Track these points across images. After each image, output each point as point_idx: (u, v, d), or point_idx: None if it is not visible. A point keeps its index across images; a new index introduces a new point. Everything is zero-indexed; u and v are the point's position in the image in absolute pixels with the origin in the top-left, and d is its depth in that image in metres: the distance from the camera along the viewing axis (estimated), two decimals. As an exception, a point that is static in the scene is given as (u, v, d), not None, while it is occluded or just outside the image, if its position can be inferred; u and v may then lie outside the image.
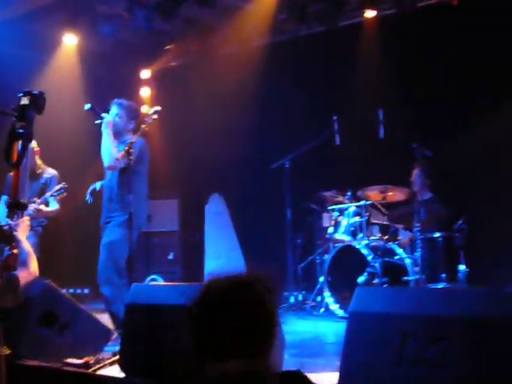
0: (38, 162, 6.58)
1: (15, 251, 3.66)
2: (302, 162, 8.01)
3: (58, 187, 6.34)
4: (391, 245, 7.19)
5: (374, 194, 7.57)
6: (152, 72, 10.56)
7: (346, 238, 7.36)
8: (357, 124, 8.02)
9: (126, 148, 5.47)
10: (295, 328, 6.41)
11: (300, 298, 7.98)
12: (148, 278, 9.14)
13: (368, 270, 6.79)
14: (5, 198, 6.28)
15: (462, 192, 7.60)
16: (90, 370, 4.26)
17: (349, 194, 7.65)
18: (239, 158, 9.24)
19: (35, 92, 3.60)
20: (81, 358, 4.36)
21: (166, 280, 8.98)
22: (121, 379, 3.94)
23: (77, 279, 9.01)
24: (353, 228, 7.40)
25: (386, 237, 7.36)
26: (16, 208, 3.70)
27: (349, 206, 7.50)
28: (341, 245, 7.28)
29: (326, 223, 8.31)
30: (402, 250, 7.16)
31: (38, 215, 6.22)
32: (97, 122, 5.78)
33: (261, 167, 8.54)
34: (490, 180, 7.54)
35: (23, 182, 3.70)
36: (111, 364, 4.34)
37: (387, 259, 6.95)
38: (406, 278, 6.86)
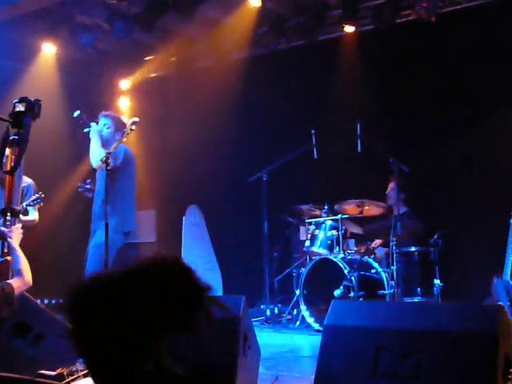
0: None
1: (8, 258, 3.61)
2: (280, 175, 8.03)
3: (34, 197, 6.27)
4: (367, 258, 7.23)
5: (350, 207, 7.61)
6: (131, 83, 10.55)
7: (323, 252, 7.38)
8: (335, 138, 8.07)
9: (104, 158, 5.50)
10: (271, 341, 6.41)
11: (276, 310, 7.99)
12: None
13: (344, 283, 6.81)
14: None
15: (438, 207, 7.67)
16: (63, 382, 4.21)
17: (326, 207, 7.68)
18: (217, 170, 9.24)
19: (31, 99, 3.61)
20: (54, 370, 4.32)
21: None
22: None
23: (53, 289, 8.91)
24: (329, 241, 7.42)
25: (363, 250, 7.40)
26: (10, 214, 3.67)
27: (325, 220, 7.53)
28: (317, 258, 7.30)
29: (302, 236, 8.33)
30: (377, 263, 7.20)
31: None
32: (85, 130, 6.18)
33: (238, 179, 8.56)
34: (466, 195, 7.60)
35: (16, 189, 3.68)
36: (85, 376, 4.29)
37: (363, 273, 6.98)
38: (381, 291, 6.90)
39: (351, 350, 2.84)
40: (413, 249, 7.03)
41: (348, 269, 6.89)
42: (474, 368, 2.51)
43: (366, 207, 7.52)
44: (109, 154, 5.64)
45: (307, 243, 7.58)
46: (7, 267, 3.59)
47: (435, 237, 7.03)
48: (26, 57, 8.83)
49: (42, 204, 6.32)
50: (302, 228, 8.44)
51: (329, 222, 7.49)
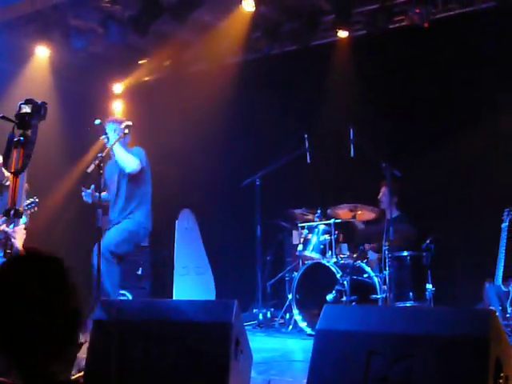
0: (6, 173, 6.50)
1: None
2: (273, 180, 8.03)
3: (28, 201, 6.25)
4: (360, 263, 7.24)
5: (343, 212, 7.62)
6: (124, 86, 10.54)
7: (316, 256, 7.39)
8: (328, 142, 8.09)
9: (97, 162, 5.52)
10: (263, 345, 6.40)
11: (268, 315, 7.97)
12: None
13: (337, 287, 6.81)
14: None
15: (431, 212, 7.68)
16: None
17: (319, 211, 7.69)
18: (210, 174, 9.24)
19: (37, 101, 3.66)
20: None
21: (134, 295, 8.91)
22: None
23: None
24: (322, 246, 7.43)
25: (355, 255, 7.41)
26: (14, 215, 3.68)
27: (318, 224, 7.54)
28: (310, 262, 7.30)
29: (295, 241, 8.33)
30: (370, 268, 7.21)
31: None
32: (102, 137, 6.53)
33: (231, 183, 8.55)
34: (458, 200, 7.63)
35: (20, 190, 3.70)
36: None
37: (356, 277, 6.99)
38: (374, 296, 6.91)
39: (343, 355, 2.85)
40: (405, 253, 7.05)
41: (340, 273, 6.89)
42: (465, 372, 2.52)
43: (359, 212, 7.53)
44: (102, 157, 5.66)
45: (300, 247, 7.59)
46: None
47: (427, 241, 7.05)
48: (19, 60, 8.82)
49: (36, 209, 6.30)
50: (294, 232, 8.44)
51: (322, 227, 7.49)
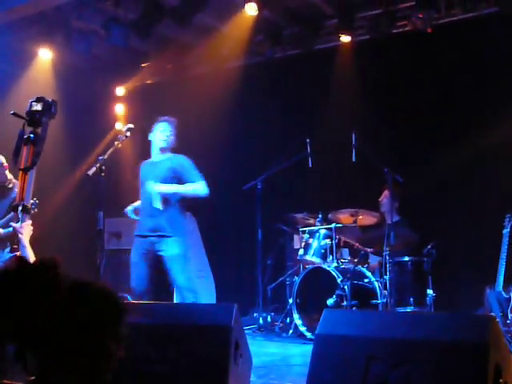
0: (9, 176, 6.52)
1: (18, 254, 3.62)
2: (275, 184, 8.03)
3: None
4: (361, 268, 7.23)
5: (344, 217, 7.61)
6: (127, 89, 10.55)
7: (316, 260, 7.38)
8: (330, 147, 8.08)
9: (98, 165, 5.48)
10: (263, 349, 6.38)
11: (269, 319, 7.96)
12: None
13: (337, 292, 6.80)
14: None
15: (432, 217, 7.67)
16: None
17: (320, 216, 7.69)
18: (211, 178, 9.22)
19: (48, 99, 3.69)
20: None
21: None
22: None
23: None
24: (323, 250, 7.42)
25: (356, 260, 7.40)
26: (22, 211, 3.70)
27: (319, 229, 7.54)
28: (311, 267, 7.29)
29: (296, 245, 8.33)
30: (371, 273, 7.20)
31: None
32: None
33: (233, 187, 8.55)
34: (460, 205, 7.62)
35: (29, 187, 3.73)
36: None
37: (356, 282, 6.97)
38: (374, 301, 6.89)
39: (342, 359, 2.84)
40: (406, 258, 7.04)
41: (341, 278, 6.88)
42: (464, 378, 2.51)
43: (360, 216, 7.52)
44: (104, 160, 5.59)
45: (301, 252, 7.58)
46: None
47: (428, 247, 7.05)
48: (22, 62, 8.85)
49: (35, 210, 6.30)
50: (295, 236, 8.44)
51: (323, 231, 7.49)
